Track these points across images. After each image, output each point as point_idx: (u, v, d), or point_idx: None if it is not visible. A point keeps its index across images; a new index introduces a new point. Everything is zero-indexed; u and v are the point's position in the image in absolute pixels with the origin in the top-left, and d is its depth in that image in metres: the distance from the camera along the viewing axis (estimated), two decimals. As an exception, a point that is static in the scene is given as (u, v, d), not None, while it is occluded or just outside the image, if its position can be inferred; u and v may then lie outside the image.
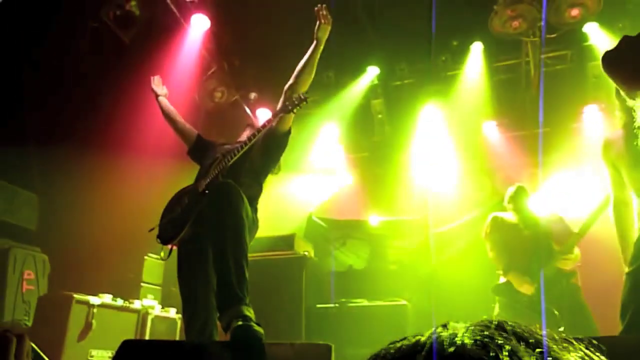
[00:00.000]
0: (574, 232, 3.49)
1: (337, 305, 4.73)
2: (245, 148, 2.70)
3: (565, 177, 5.57)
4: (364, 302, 4.75)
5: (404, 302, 4.64)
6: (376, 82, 6.42)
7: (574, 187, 5.50)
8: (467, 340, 0.44)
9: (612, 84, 1.78)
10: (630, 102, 1.53)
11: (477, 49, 5.99)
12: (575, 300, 3.50)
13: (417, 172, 6.70)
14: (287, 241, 4.80)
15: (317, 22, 2.92)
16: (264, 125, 2.76)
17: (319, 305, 4.76)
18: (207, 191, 2.60)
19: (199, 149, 3.08)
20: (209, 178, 2.69)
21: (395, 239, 6.42)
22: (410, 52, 6.17)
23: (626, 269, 2.29)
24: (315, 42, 2.90)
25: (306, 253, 4.84)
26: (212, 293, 2.48)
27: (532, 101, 6.00)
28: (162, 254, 2.63)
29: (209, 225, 2.43)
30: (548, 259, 3.56)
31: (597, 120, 5.91)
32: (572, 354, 0.45)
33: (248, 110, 6.41)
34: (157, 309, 4.79)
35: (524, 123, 6.18)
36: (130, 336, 4.35)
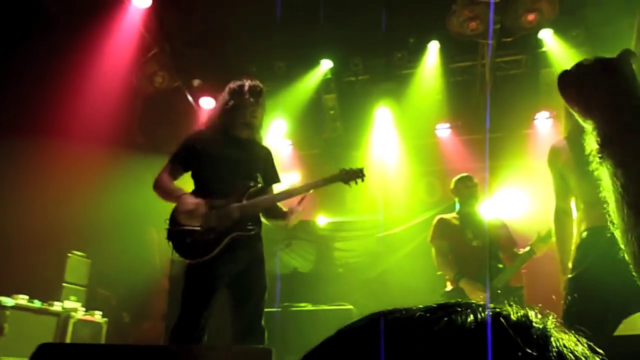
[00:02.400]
0: (525, 251, 3.70)
1: (279, 309, 4.74)
2: (281, 193, 3.09)
3: (516, 183, 5.87)
4: (308, 307, 4.79)
5: (349, 306, 4.72)
6: (329, 76, 6.47)
7: (523, 194, 5.81)
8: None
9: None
10: (582, 122, 1.62)
11: (433, 48, 6.18)
12: None
13: (368, 172, 6.81)
14: (228, 241, 4.74)
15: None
16: (315, 185, 3.10)
17: (260, 310, 4.75)
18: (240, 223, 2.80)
19: (193, 158, 2.98)
20: (241, 203, 2.86)
21: (343, 240, 6.52)
22: (365, 47, 6.27)
23: (568, 275, 2.43)
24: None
25: (248, 254, 4.81)
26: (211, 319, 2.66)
27: (486, 105, 6.26)
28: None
29: (243, 271, 2.74)
30: (497, 272, 3.76)
31: (548, 127, 6.27)
32: None
33: (190, 98, 6.30)
34: (80, 312, 4.65)
35: (477, 126, 6.44)
36: (49, 341, 4.19)
